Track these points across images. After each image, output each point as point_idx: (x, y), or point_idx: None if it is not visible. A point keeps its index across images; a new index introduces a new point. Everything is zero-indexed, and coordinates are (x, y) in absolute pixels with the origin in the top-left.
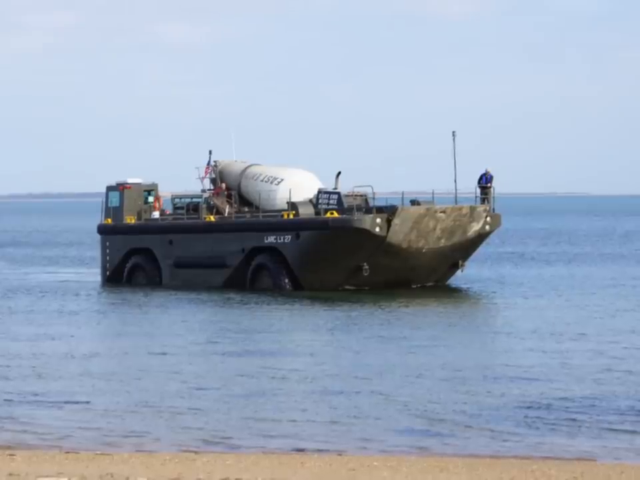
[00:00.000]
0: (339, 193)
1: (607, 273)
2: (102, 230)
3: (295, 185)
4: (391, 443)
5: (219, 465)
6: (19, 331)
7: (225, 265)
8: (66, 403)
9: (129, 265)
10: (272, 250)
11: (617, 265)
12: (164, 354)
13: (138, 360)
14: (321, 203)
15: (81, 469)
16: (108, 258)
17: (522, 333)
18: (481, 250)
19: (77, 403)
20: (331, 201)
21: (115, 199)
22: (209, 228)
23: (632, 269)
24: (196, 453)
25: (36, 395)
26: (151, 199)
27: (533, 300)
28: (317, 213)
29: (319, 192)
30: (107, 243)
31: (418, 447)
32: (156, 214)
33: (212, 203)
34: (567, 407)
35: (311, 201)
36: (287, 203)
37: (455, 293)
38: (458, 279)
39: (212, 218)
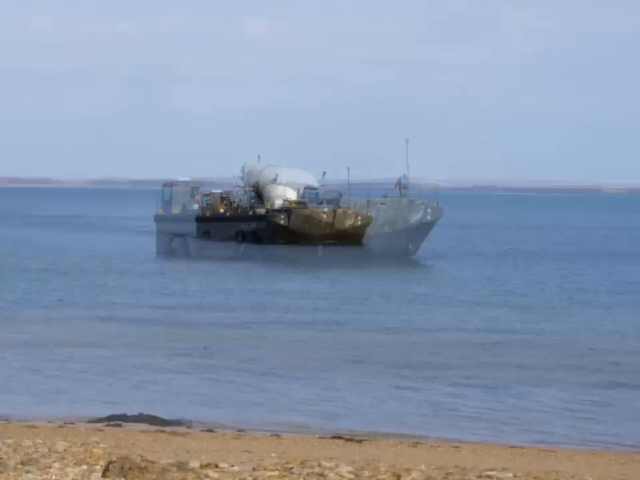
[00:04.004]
0: (317, 189)
1: None
2: (156, 218)
3: (287, 183)
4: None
5: None
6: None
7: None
8: None
9: (171, 244)
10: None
11: None
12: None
13: None
14: (304, 197)
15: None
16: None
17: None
18: None
19: None
20: (312, 196)
21: (167, 194)
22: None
23: None
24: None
25: None
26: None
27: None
28: (301, 203)
29: (305, 188)
30: (159, 228)
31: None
32: (195, 206)
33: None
34: None
35: (303, 195)
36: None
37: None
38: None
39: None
